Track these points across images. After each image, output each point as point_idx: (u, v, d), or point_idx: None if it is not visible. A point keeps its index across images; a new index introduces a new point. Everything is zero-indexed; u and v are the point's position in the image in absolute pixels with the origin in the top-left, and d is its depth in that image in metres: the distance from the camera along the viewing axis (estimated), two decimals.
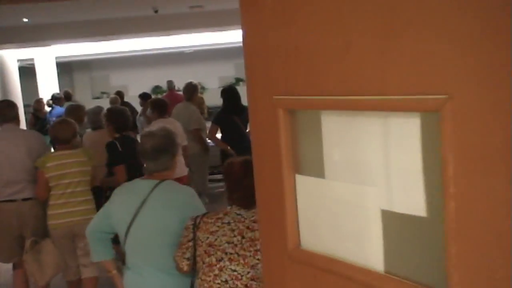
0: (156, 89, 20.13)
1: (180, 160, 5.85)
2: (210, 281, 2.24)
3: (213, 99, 11.01)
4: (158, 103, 6.04)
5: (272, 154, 1.26)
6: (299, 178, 1.23)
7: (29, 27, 9.54)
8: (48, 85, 13.50)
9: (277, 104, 1.23)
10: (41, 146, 4.41)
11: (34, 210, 4.24)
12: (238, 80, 20.90)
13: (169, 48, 16.06)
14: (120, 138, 4.51)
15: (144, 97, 9.84)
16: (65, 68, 18.75)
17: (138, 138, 8.76)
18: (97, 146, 5.29)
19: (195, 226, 2.32)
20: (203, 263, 2.27)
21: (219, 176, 8.43)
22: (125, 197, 2.68)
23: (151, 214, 2.55)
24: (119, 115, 4.63)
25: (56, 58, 14.27)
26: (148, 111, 9.48)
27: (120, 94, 10.00)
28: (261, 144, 1.31)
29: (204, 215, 2.39)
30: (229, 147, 6.26)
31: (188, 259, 2.33)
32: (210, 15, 9.94)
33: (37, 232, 4.19)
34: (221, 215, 2.33)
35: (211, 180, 8.21)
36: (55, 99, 9.71)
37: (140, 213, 2.53)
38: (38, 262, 4.05)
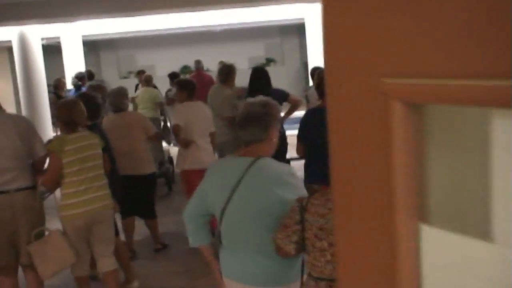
0: (184, 69, 19.64)
1: (208, 148, 5.35)
2: (321, 266, 2.19)
3: (242, 81, 10.43)
4: (187, 84, 5.51)
5: (373, 185, 0.70)
6: (428, 233, 0.67)
7: (51, 1, 9.09)
8: (74, 64, 13.14)
9: (389, 92, 0.67)
10: (32, 130, 3.95)
11: (29, 202, 3.77)
12: (268, 60, 20.26)
13: (197, 27, 15.48)
14: (89, 126, 4.16)
15: (173, 77, 9.35)
16: (91, 47, 18.40)
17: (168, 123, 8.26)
18: (119, 130, 4.91)
19: (303, 208, 2.23)
20: (313, 247, 2.20)
21: None
22: (220, 176, 2.56)
23: (247, 194, 2.43)
24: (90, 104, 4.19)
25: (83, 36, 13.88)
26: (174, 91, 9.03)
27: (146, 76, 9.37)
28: (350, 165, 0.76)
29: (310, 196, 2.29)
30: None
31: (295, 242, 2.24)
32: None
33: (33, 227, 3.74)
34: (330, 196, 1.97)
35: None
36: (78, 78, 9.29)
37: (236, 193, 2.43)
38: (42, 253, 3.65)
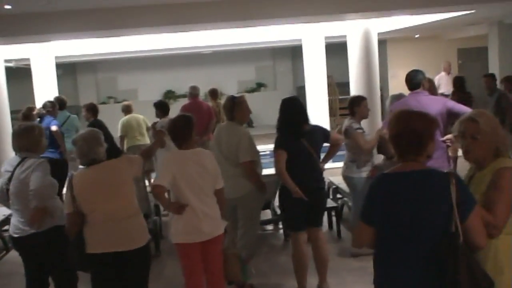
0: (169, 93, 18.26)
1: (210, 212, 3.91)
2: None
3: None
4: (182, 126, 3.97)
5: None
6: None
7: (12, 16, 7.62)
8: (46, 89, 11.61)
9: None
10: None
11: None
12: (259, 85, 18.96)
13: (183, 48, 14.10)
14: None
15: (159, 106, 7.89)
16: (67, 69, 16.90)
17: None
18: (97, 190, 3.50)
19: None
20: None
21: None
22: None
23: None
24: None
25: (57, 58, 12.37)
26: (162, 123, 7.62)
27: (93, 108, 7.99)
28: None
29: None
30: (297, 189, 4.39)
31: None
32: (240, 4, 8.03)
33: None
34: None
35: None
36: (45, 108, 7.80)
37: None
38: None
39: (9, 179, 3.86)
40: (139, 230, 3.72)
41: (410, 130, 2.47)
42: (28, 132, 4.00)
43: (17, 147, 4.02)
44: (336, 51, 13.47)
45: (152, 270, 4.42)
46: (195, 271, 3.91)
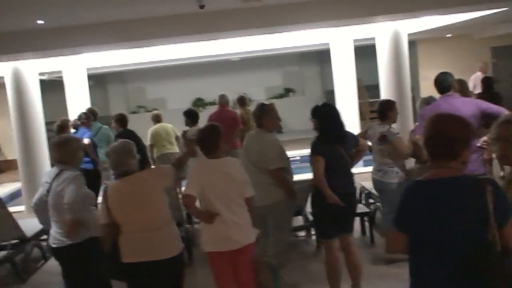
0: (198, 101, 18.39)
1: (240, 221, 3.91)
2: None
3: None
4: (210, 137, 3.97)
5: None
6: None
7: (45, 31, 7.80)
8: (78, 100, 11.84)
9: None
10: None
11: None
12: (287, 90, 18.92)
13: (210, 56, 14.16)
14: None
15: (189, 115, 7.95)
16: (98, 81, 17.20)
17: None
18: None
19: None
20: None
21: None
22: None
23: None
24: None
25: (88, 70, 12.61)
26: (192, 131, 7.68)
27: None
28: None
29: None
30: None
31: None
32: (267, 11, 8.03)
33: None
34: None
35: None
36: (81, 119, 7.97)
37: None
38: None
39: (48, 191, 3.94)
40: (172, 240, 3.74)
41: (442, 134, 2.40)
42: (65, 145, 4.05)
43: (54, 159, 4.08)
44: (364, 53, 13.33)
45: (184, 278, 4.45)
46: (225, 280, 3.91)
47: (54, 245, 4.03)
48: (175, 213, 5.63)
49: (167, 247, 3.67)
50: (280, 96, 18.43)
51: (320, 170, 4.31)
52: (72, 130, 8.07)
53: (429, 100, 5.78)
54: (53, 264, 6.43)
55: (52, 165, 4.20)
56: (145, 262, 3.60)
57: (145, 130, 9.06)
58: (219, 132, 3.93)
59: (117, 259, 3.63)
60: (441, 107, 4.62)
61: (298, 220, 6.59)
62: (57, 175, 3.94)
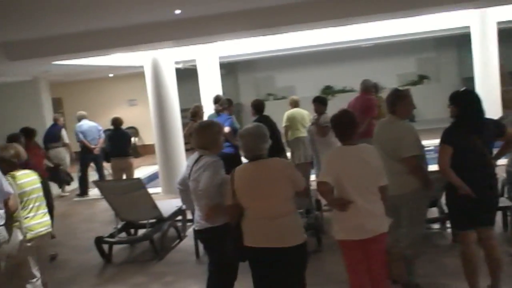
0: (327, 89, 18.24)
1: (374, 209, 3.75)
2: None
3: None
4: (347, 124, 3.85)
5: None
6: None
7: (181, 20, 8.13)
8: (211, 88, 12.32)
9: None
10: None
11: None
12: (421, 77, 18.03)
13: (339, 43, 13.89)
14: None
15: (319, 101, 8.03)
16: (230, 69, 17.74)
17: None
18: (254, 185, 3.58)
19: None
20: None
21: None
22: None
23: None
24: None
25: (220, 58, 13.04)
26: (322, 118, 7.63)
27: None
28: None
29: None
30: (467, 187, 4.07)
31: None
32: None
33: None
34: None
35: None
36: (224, 104, 8.30)
37: None
38: None
39: (189, 175, 4.09)
40: (293, 229, 3.64)
41: None
42: (206, 129, 4.11)
43: (195, 144, 4.18)
44: (508, 36, 12.22)
45: (312, 265, 4.40)
46: (358, 269, 3.80)
47: (196, 228, 4.20)
48: (304, 200, 5.56)
49: (287, 236, 3.59)
50: (414, 84, 17.61)
51: (444, 159, 4.10)
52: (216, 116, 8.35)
53: None
54: (188, 243, 6.77)
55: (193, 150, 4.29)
56: (265, 248, 3.57)
57: (274, 117, 9.12)
58: (354, 118, 3.84)
59: (240, 242, 3.67)
60: None
61: (433, 212, 6.25)
62: (197, 160, 4.06)
